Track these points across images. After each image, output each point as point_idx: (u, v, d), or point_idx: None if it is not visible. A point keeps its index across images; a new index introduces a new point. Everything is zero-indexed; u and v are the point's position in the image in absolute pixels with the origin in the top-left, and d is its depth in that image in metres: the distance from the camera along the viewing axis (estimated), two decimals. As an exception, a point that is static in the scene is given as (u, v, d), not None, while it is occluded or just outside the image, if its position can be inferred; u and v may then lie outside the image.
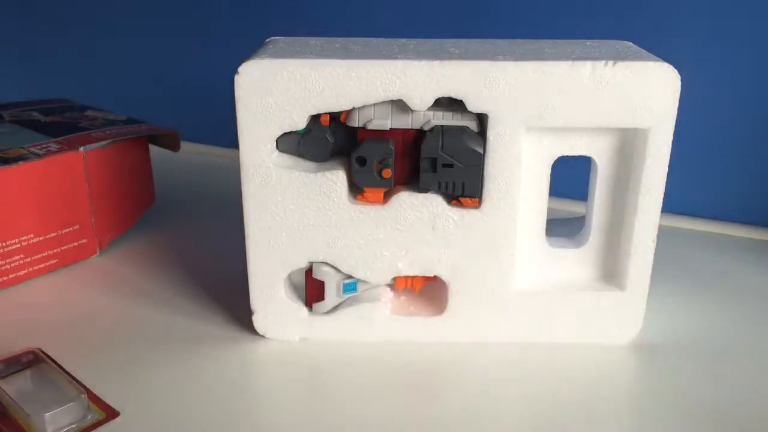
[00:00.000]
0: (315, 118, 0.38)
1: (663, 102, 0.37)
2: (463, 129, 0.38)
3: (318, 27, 0.68)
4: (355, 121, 0.38)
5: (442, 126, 0.38)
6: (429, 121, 0.38)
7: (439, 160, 0.38)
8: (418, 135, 0.38)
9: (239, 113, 0.38)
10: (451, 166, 0.38)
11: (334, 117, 0.39)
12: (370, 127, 0.38)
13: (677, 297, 0.47)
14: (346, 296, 0.41)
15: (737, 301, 0.48)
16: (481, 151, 0.38)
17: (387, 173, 0.38)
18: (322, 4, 0.68)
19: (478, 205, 0.39)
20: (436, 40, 0.42)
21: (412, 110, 0.38)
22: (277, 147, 0.39)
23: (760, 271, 0.52)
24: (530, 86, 0.36)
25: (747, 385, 0.39)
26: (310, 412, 0.36)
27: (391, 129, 0.38)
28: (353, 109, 0.38)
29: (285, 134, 0.38)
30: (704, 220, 0.60)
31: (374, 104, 0.37)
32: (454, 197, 0.39)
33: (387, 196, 0.39)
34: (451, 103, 0.38)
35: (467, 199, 0.39)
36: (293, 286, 0.42)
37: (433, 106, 0.38)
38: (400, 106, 0.37)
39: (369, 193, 0.39)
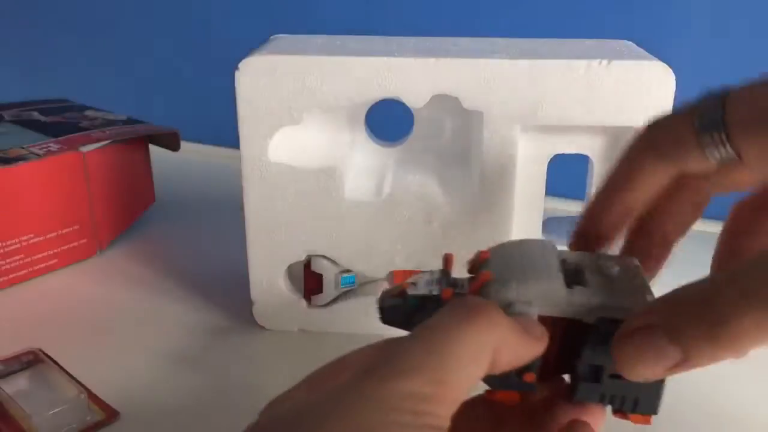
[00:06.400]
0: (429, 296, 0.29)
1: (657, 100, 0.37)
2: None
3: (320, 25, 0.68)
4: None
5: (612, 320, 0.27)
6: (591, 309, 0.27)
7: (606, 368, 0.27)
8: (574, 325, 0.28)
9: (239, 109, 0.38)
10: (621, 377, 0.26)
11: (458, 292, 0.29)
12: (511, 313, 0.27)
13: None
14: (344, 289, 0.42)
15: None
16: None
17: (530, 377, 0.27)
18: (325, 3, 0.68)
19: (650, 422, 0.28)
20: (436, 39, 0.43)
21: (568, 293, 0.27)
22: (382, 316, 0.30)
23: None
24: (525, 84, 0.37)
25: (743, 384, 0.39)
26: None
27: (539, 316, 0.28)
28: (489, 284, 0.28)
29: (392, 305, 0.29)
30: (701, 220, 0.60)
31: (516, 283, 0.28)
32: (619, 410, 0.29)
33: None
34: (623, 287, 0.28)
35: (638, 415, 0.28)
36: (292, 279, 0.43)
37: (591, 290, 0.28)
38: (551, 286, 0.27)
39: (504, 393, 0.28)
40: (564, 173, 0.43)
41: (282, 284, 0.42)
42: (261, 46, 0.40)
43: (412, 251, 0.40)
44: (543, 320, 0.27)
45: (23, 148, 0.49)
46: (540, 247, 0.30)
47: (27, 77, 0.88)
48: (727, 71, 0.56)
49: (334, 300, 0.42)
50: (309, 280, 0.42)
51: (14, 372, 0.38)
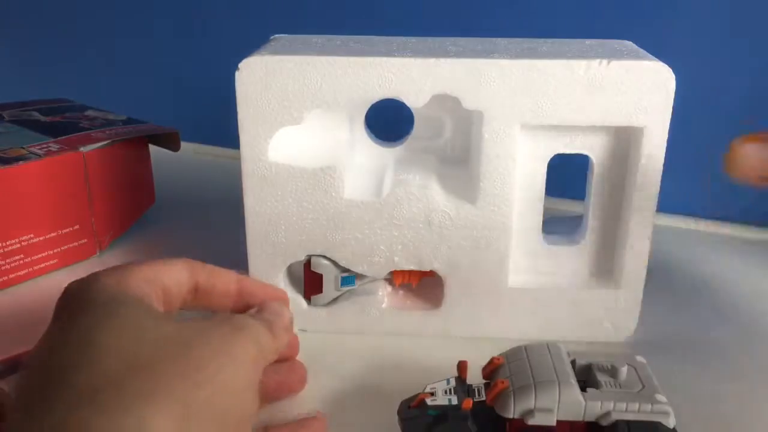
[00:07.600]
0: (450, 406, 0.31)
1: (657, 101, 0.37)
2: (655, 426, 0.29)
3: (320, 25, 0.68)
4: (510, 411, 0.29)
5: (627, 423, 0.29)
6: (608, 413, 0.29)
7: None
8: (591, 428, 0.30)
9: (239, 109, 0.38)
10: None
11: (477, 400, 0.31)
12: (531, 422, 0.29)
13: (673, 296, 0.48)
14: (344, 290, 0.42)
15: (732, 300, 0.48)
16: None
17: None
18: (325, 3, 0.68)
19: None
20: (437, 39, 0.43)
21: (584, 398, 0.29)
22: (403, 428, 0.32)
23: (755, 271, 0.52)
24: (525, 84, 0.37)
25: (741, 384, 0.39)
26: (307, 402, 0.37)
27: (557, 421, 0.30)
28: (506, 392, 0.30)
29: (412, 417, 0.31)
30: (701, 220, 0.60)
31: (535, 388, 0.30)
32: None
33: None
34: (634, 386, 0.30)
35: None
36: (292, 279, 0.43)
37: (604, 393, 0.30)
38: (568, 393, 0.29)
39: None
40: (564, 173, 0.43)
41: (282, 284, 0.42)
42: (261, 46, 0.41)
43: (412, 251, 0.40)
44: (562, 424, 0.29)
45: (23, 148, 0.49)
46: (548, 350, 0.32)
47: (27, 77, 0.88)
48: (727, 71, 0.56)
49: (334, 300, 0.42)
50: (309, 280, 0.42)
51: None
